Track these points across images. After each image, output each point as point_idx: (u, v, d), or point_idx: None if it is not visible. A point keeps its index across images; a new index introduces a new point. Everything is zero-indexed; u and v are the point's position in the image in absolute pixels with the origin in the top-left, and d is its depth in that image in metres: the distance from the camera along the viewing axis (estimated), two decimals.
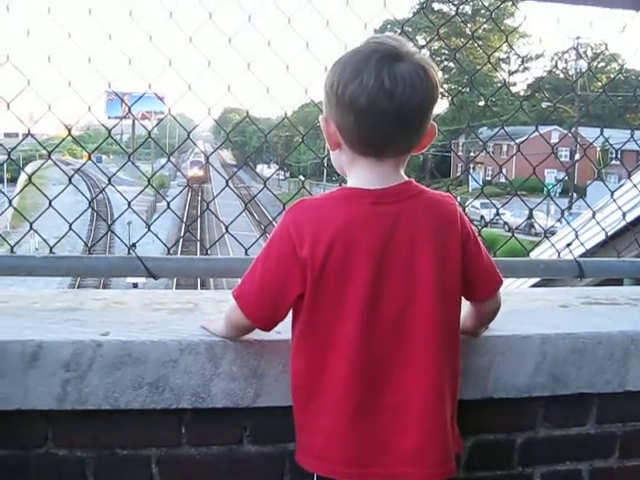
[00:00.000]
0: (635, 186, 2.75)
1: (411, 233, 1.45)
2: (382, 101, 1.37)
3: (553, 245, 2.57)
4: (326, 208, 1.47)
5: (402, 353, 1.48)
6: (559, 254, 2.43)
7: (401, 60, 1.39)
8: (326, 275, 1.44)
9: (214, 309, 2.02)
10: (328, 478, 1.52)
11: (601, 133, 2.56)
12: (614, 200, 2.84)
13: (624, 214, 2.58)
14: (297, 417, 1.60)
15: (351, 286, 1.44)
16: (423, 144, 1.51)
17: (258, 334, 1.73)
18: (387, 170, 1.48)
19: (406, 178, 1.51)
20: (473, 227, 1.53)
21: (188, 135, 2.04)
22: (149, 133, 2.07)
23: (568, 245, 2.35)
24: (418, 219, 1.46)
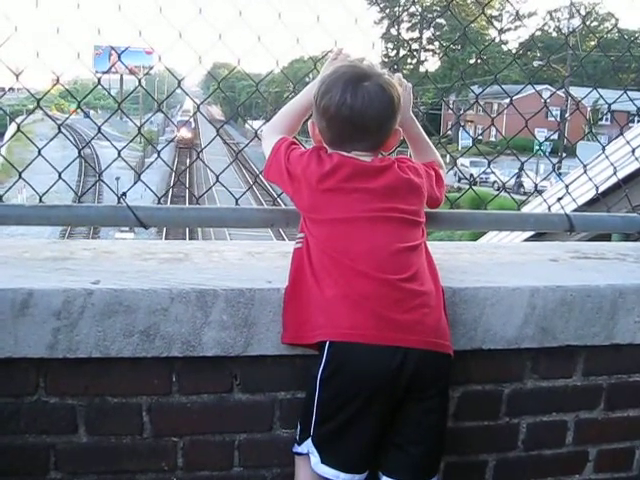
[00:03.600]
0: (628, 142, 2.74)
1: None
2: (344, 111, 1.73)
3: (545, 200, 2.57)
4: None
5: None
6: (549, 208, 2.44)
7: (366, 80, 1.75)
8: None
9: (205, 259, 2.02)
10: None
11: (594, 89, 2.54)
12: (606, 156, 2.84)
13: (615, 170, 2.57)
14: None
15: None
16: (388, 145, 1.85)
17: (249, 283, 1.74)
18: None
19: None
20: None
21: (179, 83, 2.02)
22: (139, 81, 2.04)
23: (559, 199, 2.35)
24: None
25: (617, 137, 2.99)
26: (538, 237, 4.26)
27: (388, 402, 1.65)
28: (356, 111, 1.72)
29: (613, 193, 3.22)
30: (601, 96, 2.67)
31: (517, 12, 46.81)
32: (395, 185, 1.77)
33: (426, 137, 2.08)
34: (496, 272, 2.08)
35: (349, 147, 1.77)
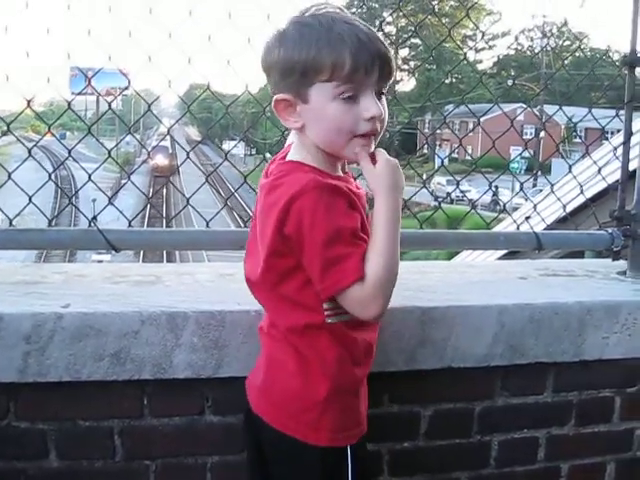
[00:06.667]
0: (595, 162, 2.78)
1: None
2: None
3: (514, 221, 2.60)
4: None
5: None
6: (518, 227, 2.47)
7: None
8: None
9: (176, 281, 2.03)
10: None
11: (560, 108, 2.59)
12: (574, 176, 2.88)
13: (582, 189, 2.61)
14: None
15: None
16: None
17: (220, 305, 1.75)
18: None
19: (296, 158, 1.49)
20: (308, 225, 1.37)
21: (149, 106, 2.03)
22: (109, 105, 2.06)
23: (527, 218, 2.39)
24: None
25: (583, 156, 3.03)
26: (511, 255, 4.29)
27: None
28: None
29: (583, 211, 3.26)
30: (569, 119, 2.72)
31: (483, 34, 47.05)
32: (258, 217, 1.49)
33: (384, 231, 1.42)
34: (466, 291, 2.10)
35: None
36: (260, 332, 1.61)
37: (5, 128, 2.08)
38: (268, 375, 1.55)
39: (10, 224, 2.03)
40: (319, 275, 1.38)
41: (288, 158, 1.50)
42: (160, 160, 38.35)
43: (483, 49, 53.88)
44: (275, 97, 1.43)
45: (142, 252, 22.10)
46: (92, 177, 2.06)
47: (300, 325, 1.48)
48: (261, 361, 1.59)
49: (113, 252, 2.09)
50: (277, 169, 1.46)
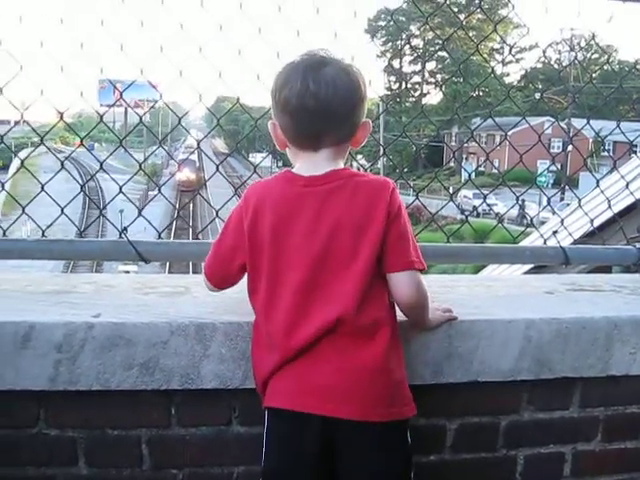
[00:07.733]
0: (622, 177, 2.78)
1: (333, 210, 1.62)
2: (309, 101, 1.60)
3: (541, 235, 2.60)
4: (270, 186, 1.70)
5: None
6: (545, 241, 2.47)
7: (326, 66, 1.63)
8: (258, 243, 1.65)
9: (205, 293, 2.04)
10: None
11: (587, 123, 2.59)
12: (601, 191, 2.87)
13: (610, 204, 2.60)
14: None
15: (281, 255, 1.64)
16: (358, 138, 1.72)
17: (247, 317, 1.76)
18: (323, 159, 1.68)
19: (341, 166, 1.71)
20: (404, 209, 1.66)
21: (179, 120, 2.06)
22: (140, 118, 2.09)
23: (555, 233, 2.38)
24: (340, 198, 1.63)
25: (611, 171, 3.02)
26: (538, 270, 4.27)
27: None
28: (321, 99, 1.60)
29: (611, 226, 3.25)
30: (596, 133, 2.71)
31: (511, 47, 46.72)
32: None
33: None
34: (492, 305, 2.10)
35: (315, 143, 1.66)
36: (342, 334, 1.60)
37: (37, 139, 2.11)
38: (386, 367, 1.63)
39: (42, 235, 2.07)
40: (413, 249, 1.65)
41: (339, 166, 1.69)
42: (187, 174, 38.36)
43: (510, 62, 53.50)
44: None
45: (168, 263, 22.24)
46: (120, 185, 2.10)
47: (388, 302, 1.68)
48: (359, 364, 1.60)
49: (140, 263, 2.12)
50: (337, 175, 1.66)
